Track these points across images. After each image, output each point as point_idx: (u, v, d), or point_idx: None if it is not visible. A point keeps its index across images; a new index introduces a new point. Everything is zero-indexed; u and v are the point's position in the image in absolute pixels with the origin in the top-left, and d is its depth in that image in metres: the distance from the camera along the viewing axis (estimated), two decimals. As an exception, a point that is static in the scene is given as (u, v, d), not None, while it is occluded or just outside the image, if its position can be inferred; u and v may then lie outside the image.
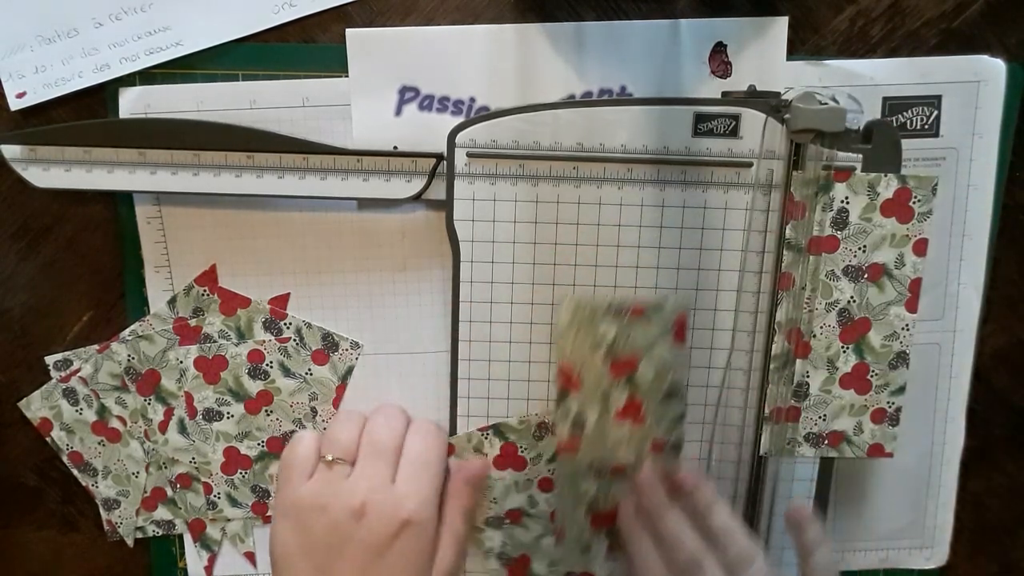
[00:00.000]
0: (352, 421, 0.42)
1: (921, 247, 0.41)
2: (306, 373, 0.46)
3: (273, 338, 0.46)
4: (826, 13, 0.43)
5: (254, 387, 0.46)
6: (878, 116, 0.43)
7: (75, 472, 0.48)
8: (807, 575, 0.38)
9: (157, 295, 0.46)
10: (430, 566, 0.39)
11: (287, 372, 0.46)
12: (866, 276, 0.41)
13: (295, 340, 0.46)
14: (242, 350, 0.46)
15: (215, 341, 0.46)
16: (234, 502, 0.48)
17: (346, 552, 0.37)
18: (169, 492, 0.48)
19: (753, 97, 0.41)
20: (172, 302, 0.46)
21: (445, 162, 0.42)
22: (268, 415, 0.47)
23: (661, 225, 0.42)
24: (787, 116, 0.40)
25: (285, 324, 0.46)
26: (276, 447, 0.47)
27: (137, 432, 0.47)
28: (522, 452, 0.39)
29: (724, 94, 0.42)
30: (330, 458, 0.40)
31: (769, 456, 0.43)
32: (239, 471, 0.48)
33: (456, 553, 0.40)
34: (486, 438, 0.40)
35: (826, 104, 0.40)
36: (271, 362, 0.46)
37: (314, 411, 0.47)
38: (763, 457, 0.43)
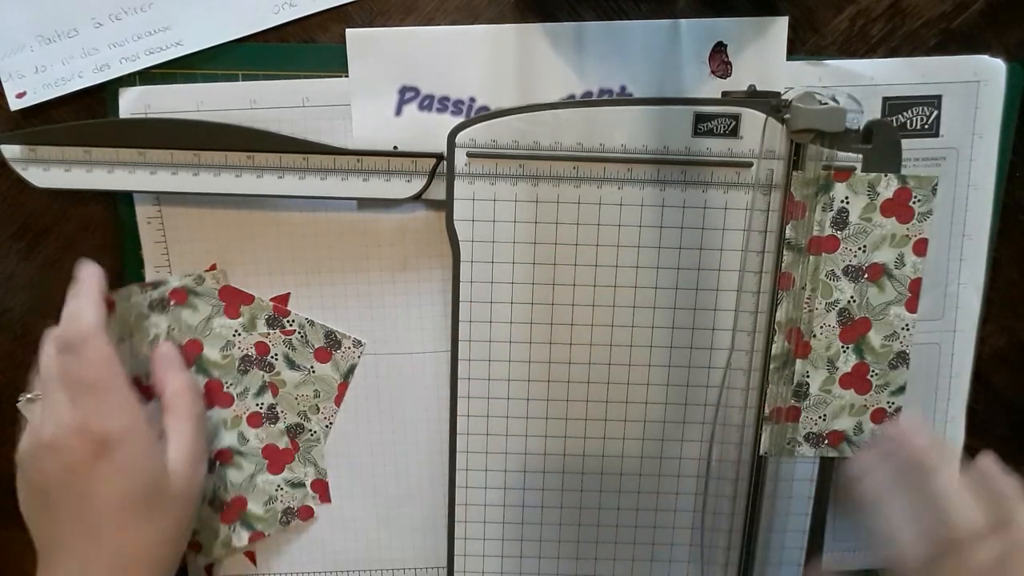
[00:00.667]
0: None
1: (921, 247, 0.41)
2: (310, 368, 0.46)
3: (278, 330, 0.46)
4: (826, 13, 0.43)
5: (256, 384, 0.46)
6: (878, 116, 0.43)
7: (75, 472, 0.48)
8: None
9: (157, 295, 0.46)
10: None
11: (292, 365, 0.46)
12: (866, 276, 0.41)
13: (299, 336, 0.46)
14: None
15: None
16: (234, 502, 0.48)
17: None
18: (169, 492, 0.48)
19: (753, 97, 0.41)
20: (172, 302, 0.46)
21: (445, 162, 0.42)
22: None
23: (661, 225, 0.42)
24: (787, 116, 0.40)
25: (288, 321, 0.46)
26: (276, 447, 0.47)
27: (137, 432, 0.47)
28: (228, 388, 0.37)
29: (724, 94, 0.42)
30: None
31: (769, 456, 0.43)
32: (239, 471, 0.48)
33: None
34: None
35: (826, 104, 0.40)
36: (276, 354, 0.46)
37: (317, 408, 0.47)
38: (763, 457, 0.43)
